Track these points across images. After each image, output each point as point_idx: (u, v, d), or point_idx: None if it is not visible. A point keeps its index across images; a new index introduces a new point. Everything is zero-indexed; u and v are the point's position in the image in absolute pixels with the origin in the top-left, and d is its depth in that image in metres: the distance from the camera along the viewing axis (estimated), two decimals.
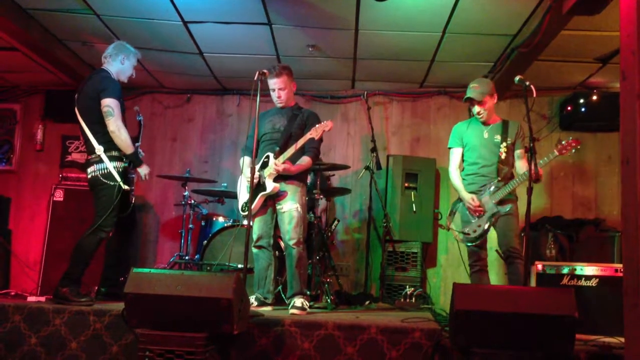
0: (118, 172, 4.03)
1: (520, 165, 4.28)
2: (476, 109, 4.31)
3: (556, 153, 4.04)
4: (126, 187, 4.03)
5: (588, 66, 5.45)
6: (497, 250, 4.57)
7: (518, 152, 4.31)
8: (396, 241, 5.63)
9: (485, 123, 4.36)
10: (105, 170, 4.02)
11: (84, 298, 3.78)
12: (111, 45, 4.34)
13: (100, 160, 4.03)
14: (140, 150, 4.42)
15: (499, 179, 4.19)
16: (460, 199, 4.39)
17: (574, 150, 4.04)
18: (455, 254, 6.04)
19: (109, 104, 4.00)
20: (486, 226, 4.19)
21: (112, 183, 4.01)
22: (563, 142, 4.05)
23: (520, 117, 6.00)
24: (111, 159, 4.04)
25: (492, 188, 4.19)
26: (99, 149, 4.02)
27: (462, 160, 4.46)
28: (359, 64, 5.67)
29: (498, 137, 4.28)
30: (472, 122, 4.45)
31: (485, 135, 4.33)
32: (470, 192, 4.29)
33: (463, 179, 4.39)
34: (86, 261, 3.96)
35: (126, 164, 4.11)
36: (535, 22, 4.42)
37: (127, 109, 4.27)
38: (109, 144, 4.05)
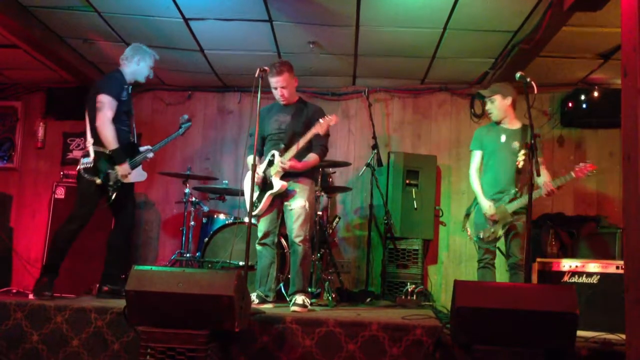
0: (96, 166, 4.14)
1: (541, 174, 4.26)
2: (487, 105, 4.38)
3: (573, 175, 4.05)
4: (98, 181, 4.12)
5: (589, 62, 5.43)
6: (498, 247, 4.58)
7: (538, 159, 4.29)
8: (397, 238, 5.63)
9: (502, 125, 4.38)
10: (89, 164, 4.16)
11: (46, 291, 3.97)
12: (128, 47, 4.50)
13: (88, 154, 4.17)
14: (148, 154, 4.49)
15: (517, 189, 4.19)
16: (477, 201, 4.39)
17: (589, 174, 4.03)
18: (457, 251, 6.06)
19: (101, 100, 4.15)
20: (500, 233, 4.22)
21: (89, 177, 4.13)
22: (580, 165, 4.05)
23: (521, 114, 6.01)
24: (97, 154, 4.16)
25: (508, 197, 4.20)
26: (90, 141, 4.17)
27: (482, 164, 4.47)
28: (359, 60, 5.66)
29: (516, 144, 4.25)
30: (493, 125, 4.48)
31: (503, 139, 4.33)
32: (491, 199, 4.29)
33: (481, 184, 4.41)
34: (59, 250, 4.14)
35: (98, 157, 4.16)
36: (536, 19, 4.41)
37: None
38: (99, 138, 4.18)
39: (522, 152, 4.21)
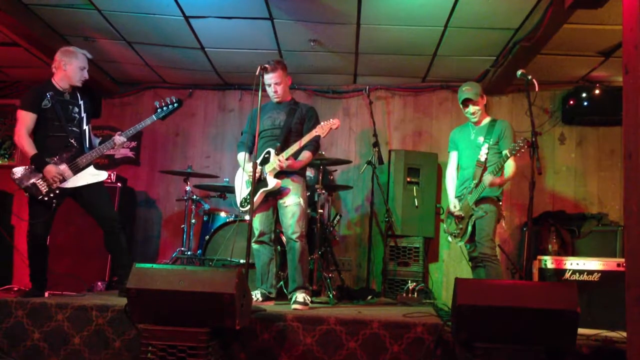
0: (21, 178, 4.06)
1: (510, 165, 4.24)
2: (471, 109, 4.38)
3: (508, 154, 4.03)
4: (26, 193, 4.06)
5: (590, 60, 5.43)
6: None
7: (504, 152, 4.24)
8: (398, 236, 5.64)
9: (475, 124, 4.44)
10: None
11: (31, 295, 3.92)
12: (57, 54, 4.30)
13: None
14: (118, 138, 4.23)
15: (475, 181, 4.23)
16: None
17: (522, 151, 3.90)
18: (457, 249, 6.04)
19: (17, 116, 4.12)
20: (468, 228, 4.31)
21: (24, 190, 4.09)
22: (518, 142, 3.95)
23: (522, 112, 6.03)
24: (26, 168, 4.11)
25: (468, 190, 4.29)
26: None
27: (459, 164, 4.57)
28: (360, 58, 5.66)
29: (481, 139, 4.35)
30: (464, 126, 4.57)
31: (472, 137, 4.43)
32: (457, 196, 4.42)
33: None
34: (30, 257, 4.13)
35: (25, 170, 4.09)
36: (537, 16, 4.41)
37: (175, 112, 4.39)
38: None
39: (485, 145, 4.26)
